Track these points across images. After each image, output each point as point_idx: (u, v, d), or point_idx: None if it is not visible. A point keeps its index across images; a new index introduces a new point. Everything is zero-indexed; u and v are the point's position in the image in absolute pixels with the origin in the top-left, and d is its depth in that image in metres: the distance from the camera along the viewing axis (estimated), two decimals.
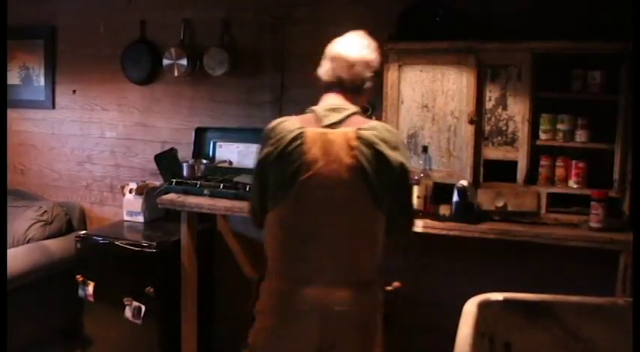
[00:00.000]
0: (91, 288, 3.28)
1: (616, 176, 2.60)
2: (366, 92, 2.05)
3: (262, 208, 2.01)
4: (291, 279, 1.94)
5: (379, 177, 1.89)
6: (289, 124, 1.95)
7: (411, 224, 2.10)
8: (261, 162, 1.98)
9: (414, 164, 2.89)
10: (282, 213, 1.94)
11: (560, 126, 2.71)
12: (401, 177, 1.94)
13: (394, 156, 1.90)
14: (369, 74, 2.02)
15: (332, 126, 1.92)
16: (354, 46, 2.02)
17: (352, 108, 1.98)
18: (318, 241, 1.91)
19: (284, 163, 1.91)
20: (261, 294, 2.02)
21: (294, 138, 1.90)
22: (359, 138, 1.88)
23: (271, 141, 1.94)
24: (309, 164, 1.87)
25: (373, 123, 1.97)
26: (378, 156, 1.89)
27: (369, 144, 1.89)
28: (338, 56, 2.01)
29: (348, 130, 1.90)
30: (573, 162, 2.71)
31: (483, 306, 1.72)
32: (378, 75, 2.16)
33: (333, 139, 1.89)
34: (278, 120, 2.01)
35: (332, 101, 2.00)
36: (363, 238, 1.94)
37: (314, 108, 2.00)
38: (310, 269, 1.91)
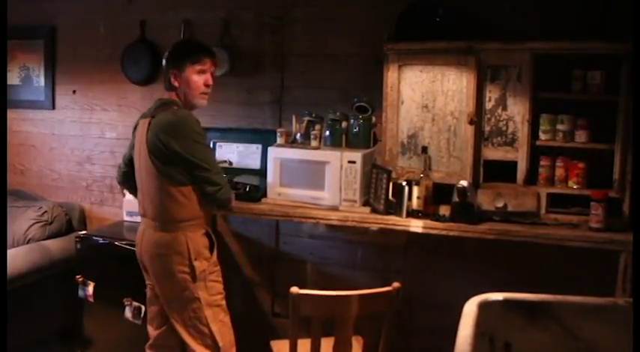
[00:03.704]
0: (91, 289, 3.28)
1: (616, 176, 2.60)
2: (176, 88, 2.62)
3: (127, 167, 2.78)
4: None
5: (160, 153, 2.49)
6: (139, 119, 2.71)
7: (212, 190, 2.54)
8: (130, 142, 2.79)
9: (414, 164, 2.90)
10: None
11: (560, 127, 2.71)
12: (177, 156, 2.47)
13: (166, 139, 2.47)
14: (169, 76, 2.62)
15: (150, 116, 2.58)
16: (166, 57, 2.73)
17: (167, 100, 2.61)
18: (141, 192, 2.65)
19: (131, 143, 2.74)
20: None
21: (135, 127, 2.71)
22: (149, 124, 2.54)
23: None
24: (135, 144, 2.66)
25: (167, 112, 2.53)
26: (160, 139, 2.48)
27: (153, 129, 2.51)
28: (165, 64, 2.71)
29: (149, 119, 2.56)
30: (573, 162, 2.71)
31: (483, 306, 1.72)
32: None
33: (144, 126, 2.57)
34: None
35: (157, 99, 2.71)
36: (159, 193, 2.54)
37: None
38: (142, 212, 2.68)
